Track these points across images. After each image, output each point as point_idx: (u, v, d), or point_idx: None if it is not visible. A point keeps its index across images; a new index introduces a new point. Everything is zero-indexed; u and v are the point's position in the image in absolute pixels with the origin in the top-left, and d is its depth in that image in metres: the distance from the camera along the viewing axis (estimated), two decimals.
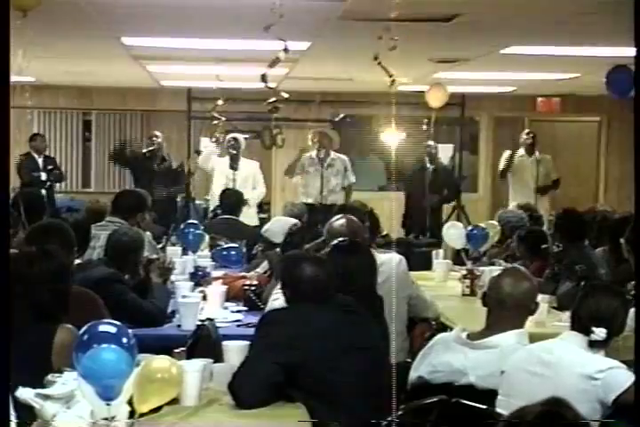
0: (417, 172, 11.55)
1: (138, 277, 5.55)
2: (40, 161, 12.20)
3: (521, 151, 11.89)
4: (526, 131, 12.23)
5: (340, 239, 4.83)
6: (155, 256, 5.83)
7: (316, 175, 11.01)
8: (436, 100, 10.24)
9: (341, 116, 13.05)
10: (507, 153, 11.95)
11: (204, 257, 6.98)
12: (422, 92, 10.46)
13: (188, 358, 3.97)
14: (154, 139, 11.78)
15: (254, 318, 5.06)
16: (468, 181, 13.93)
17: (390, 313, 5.05)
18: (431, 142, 11.62)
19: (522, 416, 2.42)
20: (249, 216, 9.77)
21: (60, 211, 11.36)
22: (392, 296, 5.23)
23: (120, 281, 5.25)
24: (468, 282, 6.49)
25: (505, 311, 4.05)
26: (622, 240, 6.36)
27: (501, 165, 11.98)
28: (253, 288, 5.73)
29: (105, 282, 5.05)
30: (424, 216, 11.12)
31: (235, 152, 10.82)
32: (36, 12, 4.88)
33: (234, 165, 10.79)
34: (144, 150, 11.98)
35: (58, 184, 12.82)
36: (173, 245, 7.64)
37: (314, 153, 11.12)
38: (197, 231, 7.09)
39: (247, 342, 4.03)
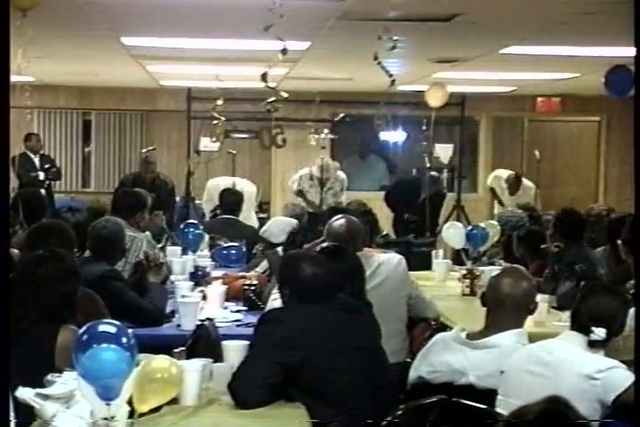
0: (411, 172, 11.53)
1: (136, 276, 5.55)
2: (36, 160, 12.18)
3: (503, 184, 12.12)
4: (513, 174, 12.31)
5: (323, 245, 4.80)
6: (141, 257, 5.82)
7: (316, 196, 11.00)
8: (435, 99, 10.25)
9: (341, 116, 13.04)
10: (492, 174, 12.07)
11: (203, 257, 6.99)
12: (422, 92, 10.47)
13: (188, 357, 3.97)
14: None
15: (254, 318, 5.06)
16: (468, 181, 13.93)
17: (390, 313, 5.05)
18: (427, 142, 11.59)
19: (522, 416, 2.42)
20: (249, 219, 9.72)
21: (60, 211, 11.34)
22: (392, 296, 5.24)
23: (119, 279, 5.25)
24: (467, 282, 6.48)
25: (504, 311, 4.05)
26: (619, 242, 6.37)
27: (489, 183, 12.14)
28: (253, 288, 5.73)
29: (104, 280, 5.05)
30: (419, 216, 11.08)
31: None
32: (35, 11, 4.89)
33: None
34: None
35: (57, 183, 12.79)
36: (173, 244, 7.64)
37: (315, 170, 11.04)
38: (197, 231, 7.10)
39: (247, 342, 4.03)
